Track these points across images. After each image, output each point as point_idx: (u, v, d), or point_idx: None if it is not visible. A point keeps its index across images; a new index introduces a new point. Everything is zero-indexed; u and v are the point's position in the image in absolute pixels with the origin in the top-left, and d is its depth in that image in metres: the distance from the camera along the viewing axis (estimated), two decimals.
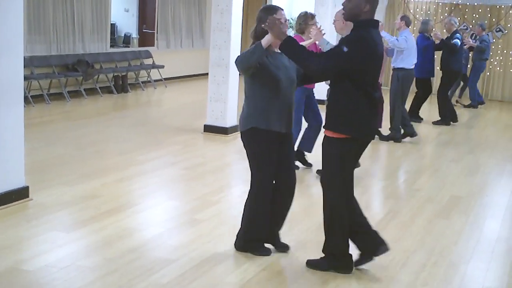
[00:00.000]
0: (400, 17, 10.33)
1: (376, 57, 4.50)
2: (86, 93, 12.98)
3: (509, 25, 16.31)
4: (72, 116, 11.13)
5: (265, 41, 4.53)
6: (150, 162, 7.93)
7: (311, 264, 4.83)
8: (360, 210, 4.87)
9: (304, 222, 5.90)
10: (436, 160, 9.05)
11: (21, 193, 6.03)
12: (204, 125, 9.96)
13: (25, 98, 11.35)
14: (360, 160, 9.00)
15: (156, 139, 9.32)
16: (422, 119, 12.15)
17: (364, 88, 4.47)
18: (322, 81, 6.55)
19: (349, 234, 4.73)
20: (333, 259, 4.75)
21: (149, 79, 15.19)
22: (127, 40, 15.92)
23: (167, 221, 5.85)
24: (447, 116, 12.02)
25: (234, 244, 5.10)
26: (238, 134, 9.79)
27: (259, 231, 4.98)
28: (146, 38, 15.94)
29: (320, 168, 4.80)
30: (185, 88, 15.65)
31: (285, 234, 5.27)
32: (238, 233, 5.10)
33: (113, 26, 15.11)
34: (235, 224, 5.85)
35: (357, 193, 6.89)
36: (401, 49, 9.83)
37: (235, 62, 4.68)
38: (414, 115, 11.82)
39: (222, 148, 9.18)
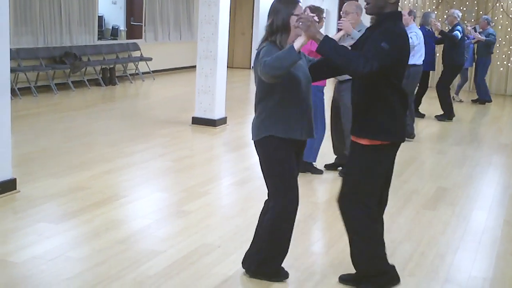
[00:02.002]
0: (408, 12, 9.78)
1: (408, 53, 4.19)
2: (73, 85, 12.95)
3: (496, 18, 16.37)
4: (59, 108, 11.09)
5: (299, 43, 3.88)
6: (138, 154, 7.92)
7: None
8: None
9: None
10: (423, 152, 9.09)
11: (8, 185, 6.01)
12: (192, 117, 9.96)
13: (12, 90, 11.30)
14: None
15: (144, 131, 9.31)
16: (424, 115, 11.99)
17: (398, 88, 4.14)
18: (340, 76, 6.27)
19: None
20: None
21: (137, 71, 15.17)
22: (114, 32, 15.86)
23: (154, 213, 5.85)
24: (451, 111, 11.86)
25: (246, 268, 4.49)
26: (226, 126, 9.92)
27: (282, 255, 4.41)
28: (134, 31, 15.89)
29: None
30: (173, 80, 15.63)
31: None
32: (250, 254, 4.48)
33: (100, 18, 15.05)
34: (223, 215, 5.87)
35: None
36: (413, 46, 9.57)
37: (263, 70, 3.88)
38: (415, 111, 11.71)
39: (210, 140, 9.19)
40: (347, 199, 4.27)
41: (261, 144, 4.24)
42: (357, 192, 4.21)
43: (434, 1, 16.99)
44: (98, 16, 14.45)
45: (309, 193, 6.74)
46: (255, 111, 4.31)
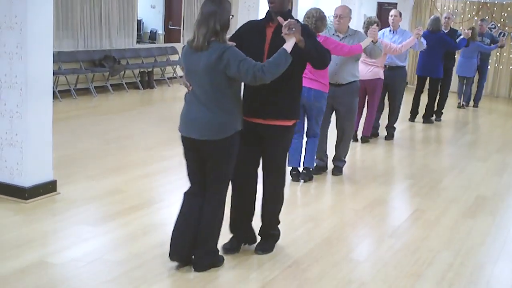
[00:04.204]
0: (399, 14, 9.70)
1: None
2: (112, 88, 13.07)
3: None
4: (98, 111, 11.20)
5: (290, 46, 4.26)
6: (175, 158, 7.92)
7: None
8: None
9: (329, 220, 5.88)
10: (462, 159, 8.96)
11: (49, 187, 6.08)
12: None
13: (53, 93, 11.47)
14: (384, 160, 8.95)
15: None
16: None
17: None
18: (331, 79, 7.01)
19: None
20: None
21: (174, 75, 15.26)
22: (153, 36, 16.01)
23: None
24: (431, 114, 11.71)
25: (199, 265, 4.56)
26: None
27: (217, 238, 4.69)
28: (172, 35, 16.01)
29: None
30: None
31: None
32: (203, 250, 4.57)
33: (139, 22, 15.20)
34: (259, 219, 5.85)
35: (383, 192, 6.92)
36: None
37: (264, 77, 4.21)
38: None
39: None
40: (278, 173, 4.86)
41: (229, 141, 4.41)
42: (283, 167, 4.92)
43: (475, 7, 16.78)
44: (137, 20, 14.59)
45: (347, 200, 6.71)
46: (209, 110, 4.43)
